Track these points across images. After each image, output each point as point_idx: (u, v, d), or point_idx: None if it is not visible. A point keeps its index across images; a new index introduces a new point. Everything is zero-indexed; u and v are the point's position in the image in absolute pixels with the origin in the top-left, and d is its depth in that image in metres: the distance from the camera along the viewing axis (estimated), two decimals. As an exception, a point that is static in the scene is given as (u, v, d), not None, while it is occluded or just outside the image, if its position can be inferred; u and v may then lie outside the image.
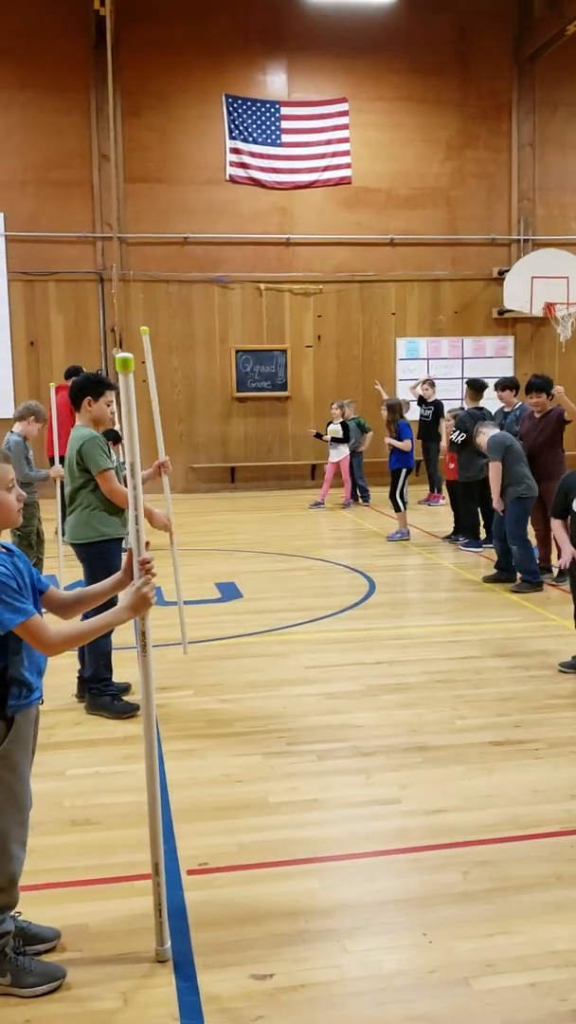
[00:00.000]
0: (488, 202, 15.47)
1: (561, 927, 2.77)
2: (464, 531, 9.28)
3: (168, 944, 2.68)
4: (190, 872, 3.15)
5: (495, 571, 7.63)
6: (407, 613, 6.77)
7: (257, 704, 4.84)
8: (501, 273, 15.12)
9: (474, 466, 8.69)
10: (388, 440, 9.81)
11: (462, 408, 9.87)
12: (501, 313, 15.28)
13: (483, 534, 9.09)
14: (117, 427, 10.89)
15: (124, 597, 2.51)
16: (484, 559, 8.46)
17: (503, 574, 7.54)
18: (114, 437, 9.65)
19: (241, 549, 9.43)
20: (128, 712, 4.70)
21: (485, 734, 4.34)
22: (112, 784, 3.91)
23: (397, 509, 9.76)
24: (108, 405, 4.85)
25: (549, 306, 14.68)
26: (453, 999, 2.47)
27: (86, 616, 2.73)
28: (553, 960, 2.61)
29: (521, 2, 14.87)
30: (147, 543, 2.50)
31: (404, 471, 9.66)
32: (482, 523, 9.16)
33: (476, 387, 9.37)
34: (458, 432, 8.91)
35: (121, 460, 9.10)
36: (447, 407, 11.26)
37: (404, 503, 9.71)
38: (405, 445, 9.65)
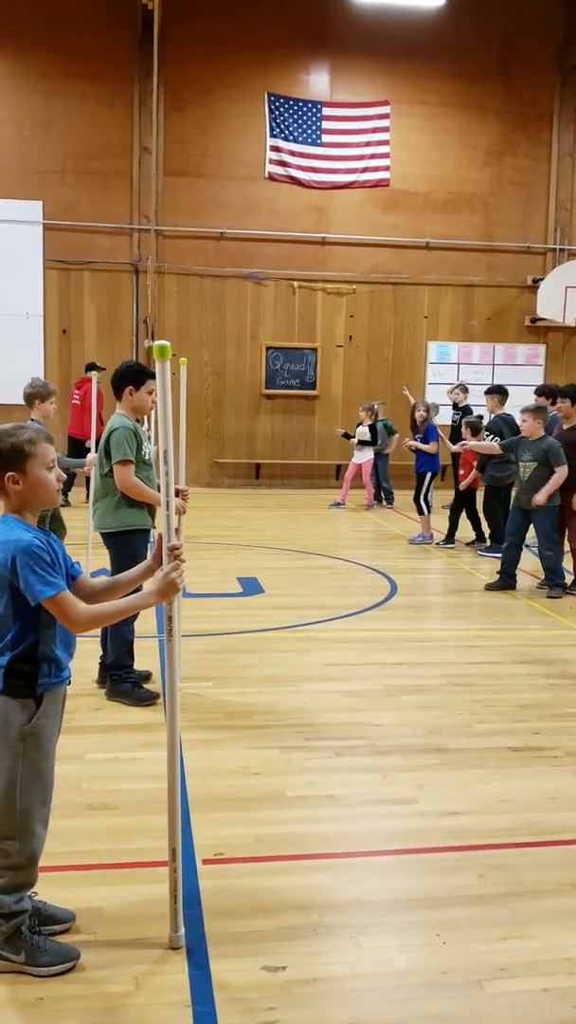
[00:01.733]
0: (525, 210, 15.39)
1: (573, 934, 2.76)
2: (483, 536, 9.24)
3: (182, 931, 2.69)
4: (206, 861, 3.16)
5: (501, 577, 7.52)
6: (428, 616, 6.75)
7: (276, 699, 4.85)
8: (535, 281, 15.05)
9: (506, 470, 8.72)
10: (408, 443, 9.79)
11: (480, 416, 9.85)
12: (534, 321, 15.20)
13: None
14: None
15: (153, 582, 2.53)
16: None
17: (510, 580, 7.47)
18: None
19: (264, 545, 9.45)
20: (148, 700, 4.72)
21: (503, 739, 4.32)
22: (130, 770, 3.93)
23: (421, 512, 9.74)
24: (150, 394, 4.86)
25: (582, 316, 14.61)
26: (465, 1000, 2.46)
27: None
28: (567, 966, 2.60)
29: (568, 12, 14.78)
30: (177, 530, 2.51)
31: (430, 474, 9.64)
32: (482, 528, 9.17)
33: (502, 392, 9.37)
34: (492, 436, 8.88)
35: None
36: (475, 412, 11.22)
37: (429, 507, 9.69)
38: (431, 448, 9.62)
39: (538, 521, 7.26)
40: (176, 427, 4.87)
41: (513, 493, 9.06)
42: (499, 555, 8.77)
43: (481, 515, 9.40)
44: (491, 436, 8.92)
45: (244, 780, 3.85)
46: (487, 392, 9.61)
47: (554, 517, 7.27)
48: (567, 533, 7.41)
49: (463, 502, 9.44)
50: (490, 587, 7.47)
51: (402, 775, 3.91)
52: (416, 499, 9.79)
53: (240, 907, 2.90)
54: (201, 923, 2.81)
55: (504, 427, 8.92)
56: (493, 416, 9.27)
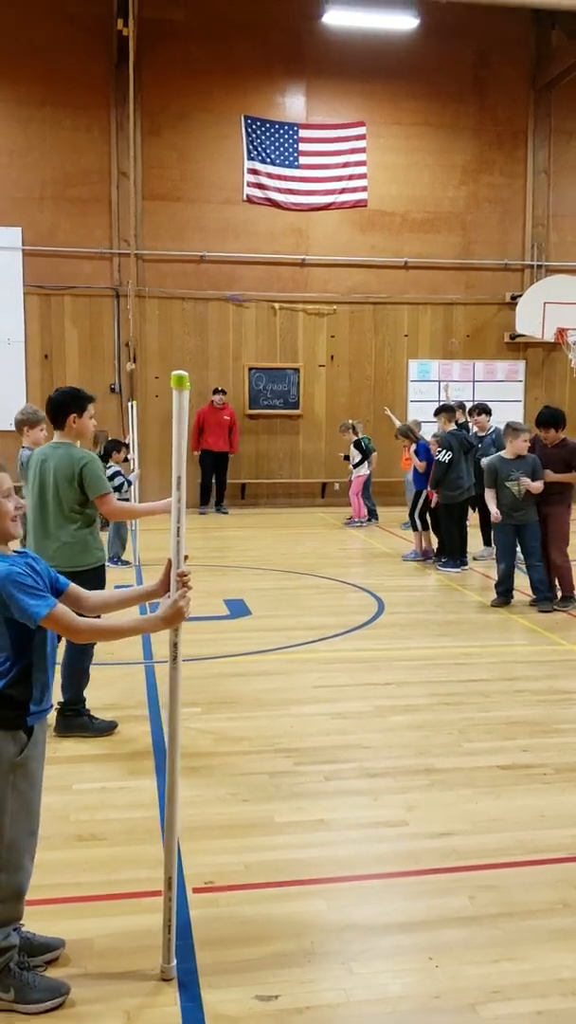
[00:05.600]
0: (502, 227, 15.55)
1: (568, 955, 2.75)
2: (444, 552, 9.28)
3: (174, 962, 2.66)
4: (196, 890, 3.14)
5: (501, 596, 7.56)
6: (416, 634, 6.75)
7: (264, 723, 4.83)
8: (514, 298, 15.18)
9: (458, 487, 8.94)
10: (412, 454, 9.83)
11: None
12: (513, 338, 15.32)
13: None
14: (127, 438, 11.07)
15: (160, 607, 2.53)
16: (490, 579, 8.39)
17: (509, 595, 7.52)
18: (117, 446, 9.76)
19: (250, 566, 9.44)
20: (109, 729, 4.68)
21: (493, 758, 4.32)
22: (118, 800, 3.91)
23: (415, 529, 9.81)
24: (91, 419, 4.76)
25: (561, 332, 14.73)
26: (459, 1025, 2.45)
27: None
28: (560, 988, 2.59)
29: (539, 31, 15.01)
30: (186, 556, 2.52)
31: (425, 492, 9.69)
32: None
33: (451, 410, 9.58)
34: (444, 451, 8.96)
35: (117, 470, 9.26)
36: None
37: (423, 523, 9.74)
38: (424, 466, 9.66)
39: (527, 536, 7.30)
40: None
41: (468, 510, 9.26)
42: (457, 570, 8.86)
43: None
44: (442, 451, 8.99)
45: (233, 807, 3.83)
46: (435, 413, 9.79)
47: (539, 532, 7.32)
48: (549, 547, 7.43)
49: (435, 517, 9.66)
50: (494, 604, 7.50)
51: (392, 797, 3.90)
52: (411, 515, 9.87)
53: (231, 936, 2.88)
54: (192, 953, 2.79)
55: (454, 442, 9.01)
56: (444, 433, 9.32)
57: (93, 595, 2.75)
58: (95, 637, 2.59)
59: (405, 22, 13.81)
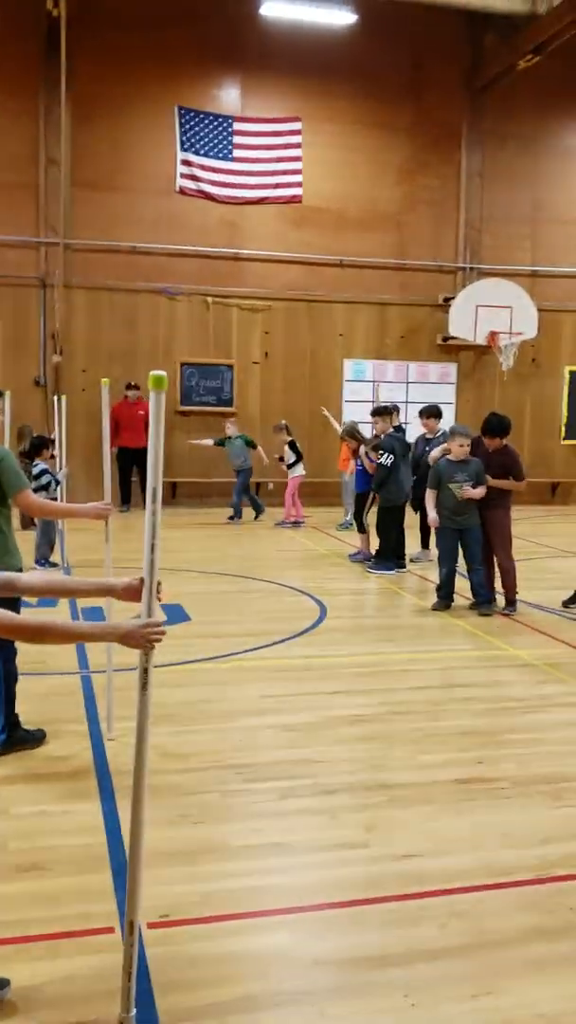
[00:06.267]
0: (436, 229, 15.59)
1: (546, 987, 2.65)
2: (379, 554, 9.22)
3: (134, 1011, 2.46)
4: (151, 925, 2.94)
5: (442, 599, 7.51)
6: (360, 640, 6.64)
7: (211, 737, 4.64)
8: (447, 300, 15.24)
9: (397, 490, 8.92)
10: (366, 456, 9.64)
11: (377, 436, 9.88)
12: (445, 340, 15.38)
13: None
14: (52, 434, 10.66)
15: (127, 620, 2.31)
16: (432, 583, 8.35)
17: (449, 599, 7.48)
18: (44, 443, 9.37)
19: (185, 568, 9.21)
20: (42, 736, 4.50)
21: (448, 771, 4.22)
22: (61, 824, 3.67)
23: (361, 531, 9.73)
24: (1, 413, 4.48)
25: (493, 335, 14.87)
26: (441, 1071, 2.32)
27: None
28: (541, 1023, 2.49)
29: (473, 35, 15.07)
30: (159, 582, 2.30)
31: (372, 494, 9.59)
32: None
33: (389, 412, 9.47)
34: (386, 455, 8.90)
35: (44, 468, 8.87)
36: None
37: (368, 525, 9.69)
38: (372, 467, 9.54)
39: (468, 540, 7.27)
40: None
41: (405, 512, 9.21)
42: (389, 572, 8.82)
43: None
44: (385, 455, 8.93)
45: (184, 830, 3.63)
46: (373, 413, 9.73)
47: (481, 536, 7.30)
48: (495, 551, 7.41)
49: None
50: (436, 607, 7.43)
51: (350, 816, 3.76)
52: (357, 517, 9.82)
53: (193, 978, 2.69)
54: (152, 999, 2.59)
55: (396, 445, 8.97)
56: (384, 436, 9.23)
57: (31, 577, 2.52)
58: (44, 638, 2.35)
59: (342, 17, 13.72)
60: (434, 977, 2.69)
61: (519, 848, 3.49)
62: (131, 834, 2.41)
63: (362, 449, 9.63)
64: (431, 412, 9.69)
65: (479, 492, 7.17)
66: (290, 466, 12.42)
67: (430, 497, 7.43)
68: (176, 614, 7.22)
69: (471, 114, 15.42)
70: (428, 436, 9.63)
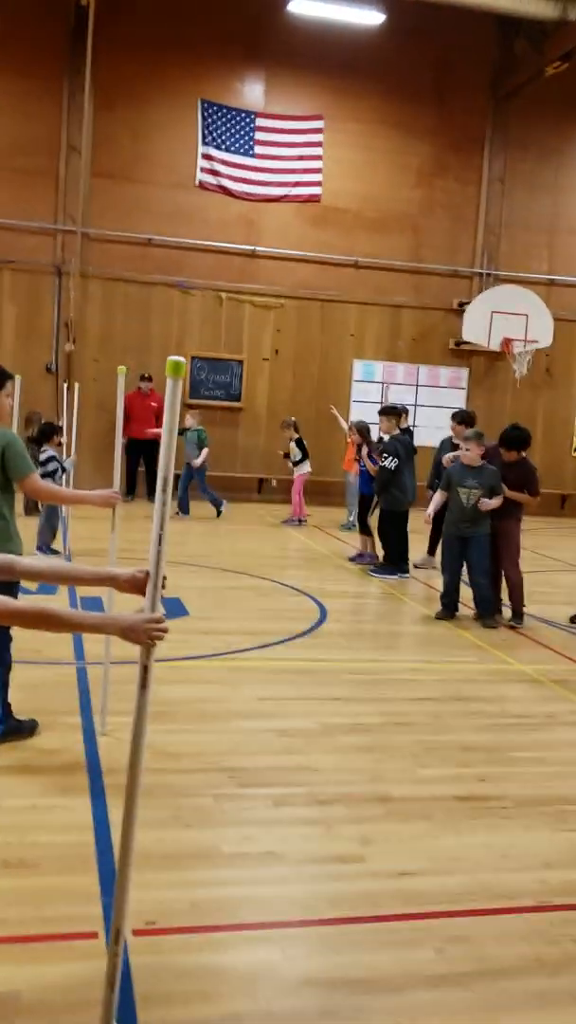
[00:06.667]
0: (453, 233, 15.49)
1: (549, 1023, 2.53)
2: (385, 558, 9.12)
3: (115, 1025, 2.35)
4: (136, 932, 2.82)
5: (446, 608, 7.39)
6: (361, 645, 6.53)
7: (207, 738, 4.53)
8: (461, 305, 15.13)
9: (402, 494, 8.82)
10: (366, 457, 9.51)
11: (381, 438, 9.76)
12: (458, 344, 15.27)
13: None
14: (60, 422, 10.55)
15: (130, 613, 2.20)
16: (436, 590, 8.23)
17: (453, 609, 7.36)
18: (53, 430, 9.26)
19: (186, 562, 9.09)
20: (34, 726, 4.41)
21: (449, 787, 4.11)
22: (50, 820, 3.57)
23: (366, 533, 9.63)
24: (9, 397, 4.38)
25: (507, 342, 14.75)
26: None
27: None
28: (543, 1063, 2.37)
29: (502, 39, 14.95)
30: (165, 577, 2.19)
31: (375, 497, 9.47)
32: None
33: (397, 413, 9.27)
34: (390, 459, 8.78)
35: (52, 454, 8.76)
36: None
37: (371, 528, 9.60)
38: (375, 470, 9.42)
39: (473, 549, 7.15)
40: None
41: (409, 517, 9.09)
42: (392, 576, 8.70)
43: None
44: (389, 458, 8.81)
45: (175, 833, 3.52)
46: (380, 412, 9.49)
47: (488, 545, 7.17)
48: (502, 562, 7.30)
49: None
50: (439, 616, 7.30)
51: (346, 828, 3.64)
52: (360, 519, 9.72)
53: (177, 991, 2.58)
54: (134, 1012, 2.48)
55: (400, 448, 8.84)
56: (388, 437, 9.11)
57: (32, 561, 2.41)
58: (44, 625, 2.24)
59: (370, 17, 13.62)
60: (430, 1006, 2.58)
61: (520, 872, 3.38)
62: (122, 840, 2.30)
63: (364, 450, 9.50)
64: (462, 418, 9.18)
65: (494, 503, 7.04)
66: (296, 463, 12.30)
67: (438, 497, 7.32)
68: (175, 608, 7.11)
69: (495, 119, 15.32)
70: (455, 441, 9.30)
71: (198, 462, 12.19)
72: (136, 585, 2.23)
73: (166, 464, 2.07)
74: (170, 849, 3.39)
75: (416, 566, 9.37)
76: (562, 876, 3.35)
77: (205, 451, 12.33)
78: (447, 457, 8.28)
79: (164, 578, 2.21)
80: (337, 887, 3.20)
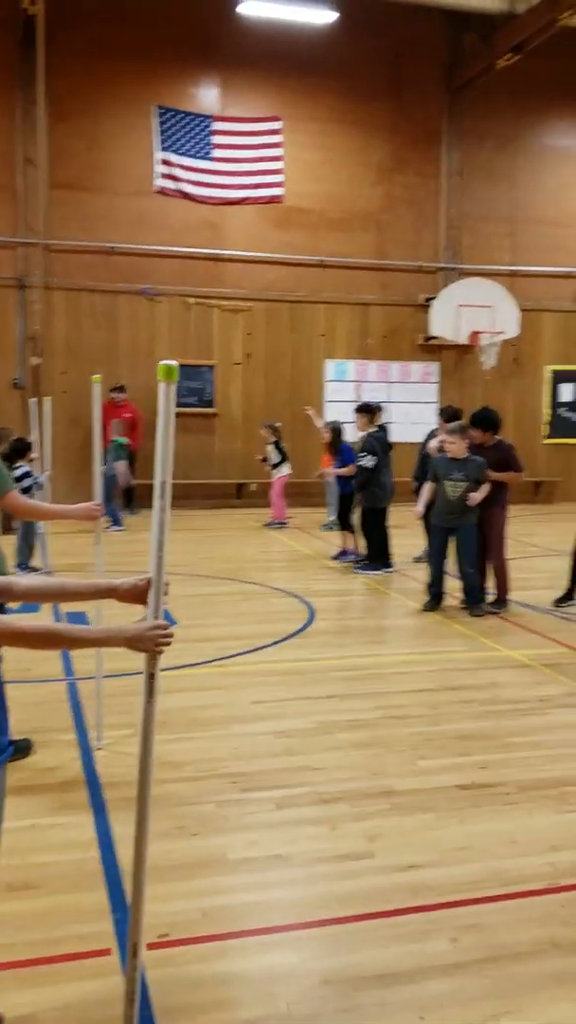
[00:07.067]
0: (416, 228, 15.53)
1: (568, 1004, 2.53)
2: (368, 555, 9.11)
3: (136, 1040, 2.33)
4: (150, 946, 2.79)
5: (432, 599, 7.40)
6: (351, 642, 6.52)
7: (205, 744, 4.50)
8: (428, 300, 15.18)
9: (382, 492, 8.81)
10: (326, 473, 9.56)
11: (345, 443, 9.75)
12: (427, 340, 15.32)
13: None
14: (30, 437, 10.44)
15: (133, 623, 2.17)
16: (420, 584, 8.23)
17: (438, 601, 7.37)
18: (25, 447, 9.17)
19: (170, 571, 8.98)
20: (29, 745, 4.38)
21: (450, 776, 4.11)
22: (51, 839, 3.53)
23: (347, 530, 9.70)
24: None
25: (475, 334, 14.83)
26: None
27: None
28: (567, 1046, 2.37)
29: (452, 34, 15.03)
30: (167, 583, 2.17)
31: (356, 495, 9.46)
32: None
33: (371, 410, 9.22)
34: (368, 456, 8.78)
35: (27, 470, 8.71)
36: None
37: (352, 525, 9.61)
38: (350, 471, 9.41)
39: (460, 540, 7.17)
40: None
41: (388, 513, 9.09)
42: (377, 572, 8.71)
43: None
44: (365, 455, 8.81)
45: (181, 843, 3.49)
46: (355, 410, 9.44)
47: (475, 536, 7.19)
48: (487, 549, 7.32)
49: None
50: (426, 607, 7.32)
51: (351, 825, 3.63)
52: (342, 517, 9.76)
53: (196, 1002, 2.56)
54: (153, 1025, 2.45)
55: (377, 445, 8.84)
56: (365, 434, 9.09)
57: (29, 581, 2.37)
58: (47, 644, 2.20)
59: (322, 16, 13.63)
60: (449, 995, 2.57)
61: (528, 856, 3.38)
62: (135, 853, 2.28)
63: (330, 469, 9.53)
64: (450, 415, 8.85)
65: (479, 496, 7.04)
66: (274, 466, 12.29)
67: (426, 489, 7.32)
68: (75, 616, 7.03)
69: (450, 113, 15.38)
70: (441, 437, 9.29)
71: (118, 475, 11.97)
72: (137, 594, 2.20)
73: (163, 468, 2.05)
74: (177, 860, 3.36)
75: (416, 560, 9.32)
76: (570, 857, 3.36)
77: (122, 463, 12.12)
78: (432, 445, 8.27)
79: (167, 584, 2.19)
80: (347, 885, 3.19)
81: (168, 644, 2.14)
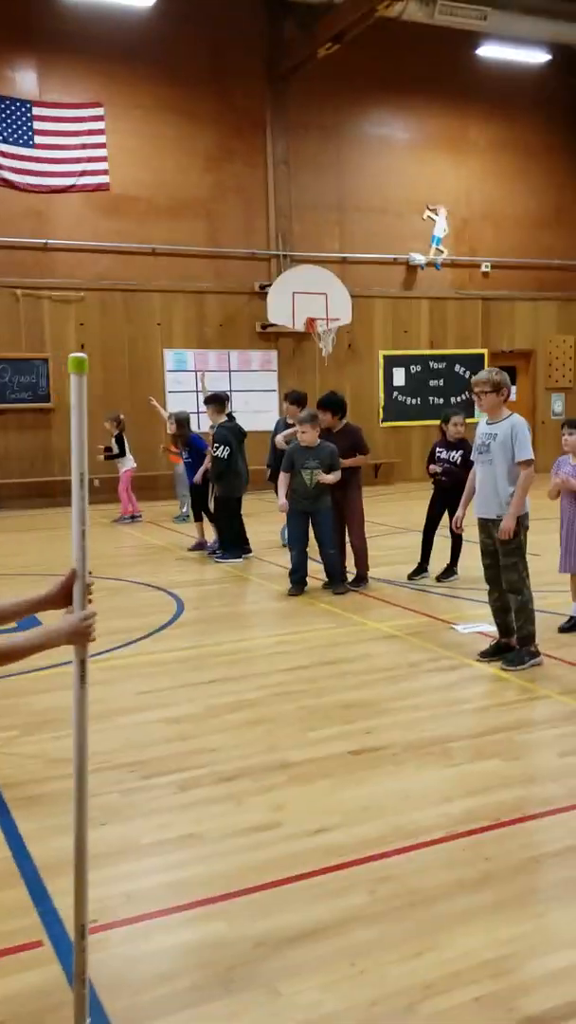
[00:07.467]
0: (247, 216, 15.70)
1: (483, 935, 2.78)
2: (222, 544, 9.27)
3: (89, 1020, 2.37)
4: (81, 934, 2.83)
5: (296, 584, 7.61)
6: (224, 628, 6.64)
7: (96, 738, 4.46)
8: (263, 288, 15.40)
9: (238, 480, 8.98)
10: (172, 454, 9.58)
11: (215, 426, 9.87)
12: (264, 327, 15.55)
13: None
14: None
15: (65, 621, 2.19)
16: (280, 567, 8.46)
17: (303, 585, 7.60)
18: None
19: (22, 573, 8.84)
20: None
21: (340, 744, 4.32)
22: (-42, 843, 3.47)
23: (199, 520, 9.81)
24: None
25: (310, 321, 15.18)
26: (403, 1028, 2.39)
27: None
28: (487, 970, 2.61)
29: (272, 23, 15.25)
30: (90, 571, 2.21)
31: (212, 485, 9.50)
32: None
33: (221, 401, 9.36)
34: (222, 447, 8.90)
35: None
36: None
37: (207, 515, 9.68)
38: (206, 464, 9.45)
39: (319, 523, 7.42)
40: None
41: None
42: (237, 560, 8.90)
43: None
44: (220, 447, 8.94)
45: (92, 833, 3.42)
46: (205, 402, 9.50)
47: (331, 518, 7.46)
48: (347, 530, 7.62)
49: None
50: (292, 593, 7.49)
51: (255, 799, 3.77)
52: (195, 508, 9.86)
53: (137, 978, 2.63)
54: (100, 1006, 2.51)
55: (230, 435, 8.98)
56: (216, 426, 9.20)
57: None
58: (5, 661, 2.19)
59: (140, 0, 13.49)
60: (375, 942, 2.76)
61: (424, 809, 3.63)
62: (76, 836, 2.35)
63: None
64: (295, 398, 9.20)
65: (331, 478, 7.31)
66: (111, 458, 12.16)
67: (283, 480, 7.52)
68: (26, 620, 6.91)
69: (274, 102, 15.60)
70: (289, 421, 9.26)
71: None
72: (67, 594, 2.22)
73: (79, 460, 2.09)
74: (92, 849, 3.33)
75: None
76: (461, 806, 3.63)
77: None
78: (278, 439, 8.49)
79: (90, 573, 2.23)
80: (262, 855, 3.32)
81: (94, 630, 2.19)
